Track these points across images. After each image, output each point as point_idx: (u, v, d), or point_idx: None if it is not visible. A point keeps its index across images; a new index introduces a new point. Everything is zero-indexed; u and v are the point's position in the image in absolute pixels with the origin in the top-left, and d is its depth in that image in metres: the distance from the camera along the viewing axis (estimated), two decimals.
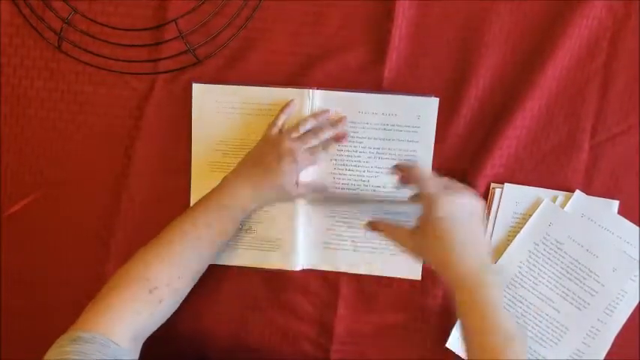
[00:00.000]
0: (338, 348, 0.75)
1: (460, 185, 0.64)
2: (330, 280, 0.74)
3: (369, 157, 0.73)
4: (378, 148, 0.72)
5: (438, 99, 0.71)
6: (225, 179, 0.69)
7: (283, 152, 0.67)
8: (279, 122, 0.70)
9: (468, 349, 0.57)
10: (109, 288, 0.60)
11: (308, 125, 0.70)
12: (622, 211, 0.72)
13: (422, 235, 0.61)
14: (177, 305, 0.64)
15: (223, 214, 0.66)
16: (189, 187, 0.74)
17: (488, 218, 0.72)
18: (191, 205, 0.73)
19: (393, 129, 0.72)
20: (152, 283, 0.60)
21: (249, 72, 0.73)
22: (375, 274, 0.74)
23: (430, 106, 0.71)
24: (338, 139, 0.71)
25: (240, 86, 0.72)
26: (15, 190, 0.75)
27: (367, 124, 0.72)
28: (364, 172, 0.73)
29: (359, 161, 0.73)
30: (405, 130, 0.72)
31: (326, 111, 0.71)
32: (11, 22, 0.73)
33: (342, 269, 0.74)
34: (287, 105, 0.71)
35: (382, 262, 0.74)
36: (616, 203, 0.72)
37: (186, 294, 0.65)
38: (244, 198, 0.68)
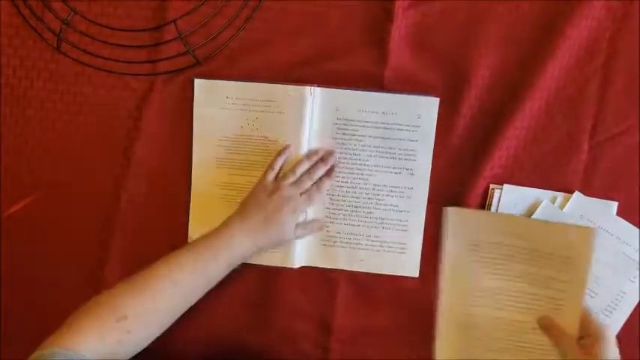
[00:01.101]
0: (336, 346, 0.75)
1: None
2: (328, 278, 0.75)
3: (369, 156, 0.73)
4: (378, 147, 0.73)
5: (438, 99, 0.71)
6: (224, 226, 0.68)
7: (283, 201, 0.68)
8: (277, 166, 0.71)
9: None
10: (78, 313, 0.59)
11: (303, 168, 0.71)
12: (621, 212, 0.72)
13: None
14: (151, 339, 0.63)
15: (214, 264, 0.66)
16: (189, 187, 0.74)
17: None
18: (190, 205, 0.74)
19: (393, 128, 0.72)
20: (120, 312, 0.59)
21: (249, 73, 0.73)
22: (374, 271, 0.74)
23: (431, 105, 0.71)
24: (329, 174, 0.72)
25: (243, 82, 0.72)
26: (14, 190, 0.75)
27: (367, 122, 0.72)
28: (364, 170, 0.73)
29: (359, 159, 0.73)
30: (406, 129, 0.72)
31: (317, 150, 0.72)
32: (11, 22, 0.73)
33: (341, 267, 0.74)
34: (284, 149, 0.71)
35: (380, 260, 0.74)
36: (615, 204, 0.71)
37: (165, 327, 0.64)
38: (242, 248, 0.67)
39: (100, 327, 0.58)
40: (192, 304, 0.66)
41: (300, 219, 0.71)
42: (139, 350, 0.62)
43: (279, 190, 0.68)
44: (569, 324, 0.65)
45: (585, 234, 0.65)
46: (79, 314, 0.59)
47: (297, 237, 0.71)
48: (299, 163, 0.71)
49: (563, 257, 0.66)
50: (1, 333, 0.76)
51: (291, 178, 0.70)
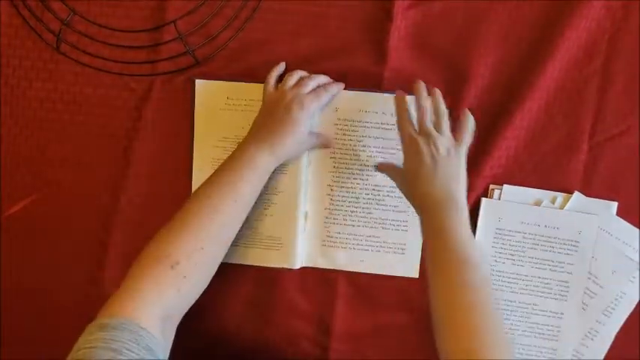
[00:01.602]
0: (336, 346, 0.75)
1: (442, 125, 0.64)
2: (328, 279, 0.75)
3: (369, 156, 0.73)
4: (378, 147, 0.72)
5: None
6: (239, 146, 0.67)
7: (289, 102, 0.66)
8: (272, 80, 0.70)
9: (428, 271, 0.61)
10: (132, 272, 0.58)
11: (301, 73, 0.70)
12: (621, 213, 0.72)
13: (403, 171, 0.66)
14: (208, 279, 0.62)
15: (241, 183, 0.65)
16: (189, 188, 0.74)
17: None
18: None
19: (392, 128, 0.72)
20: (172, 259, 0.58)
21: (249, 73, 0.72)
22: (373, 272, 0.74)
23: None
24: (328, 84, 0.70)
25: (242, 83, 0.72)
26: (14, 191, 0.75)
27: (367, 122, 0.72)
28: (363, 170, 0.73)
29: (358, 160, 0.73)
30: None
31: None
32: (10, 23, 0.73)
33: (341, 267, 0.74)
34: (276, 67, 0.71)
35: (380, 260, 0.74)
36: (615, 204, 0.72)
37: (214, 269, 0.63)
38: (263, 159, 0.66)
39: (157, 280, 0.57)
40: (237, 230, 0.65)
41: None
42: (195, 299, 0.61)
43: (283, 95, 0.67)
44: (576, 303, 0.71)
45: (590, 220, 0.71)
46: (133, 274, 0.58)
47: (313, 143, 0.70)
48: (295, 70, 0.70)
49: (573, 242, 0.71)
50: (1, 333, 0.76)
51: (291, 81, 0.69)
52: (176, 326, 0.59)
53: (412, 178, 0.64)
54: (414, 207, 0.66)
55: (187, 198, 0.65)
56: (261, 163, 0.66)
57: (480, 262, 0.59)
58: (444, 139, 0.63)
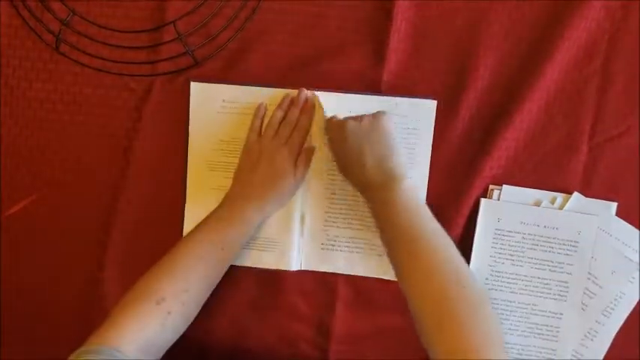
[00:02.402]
0: (336, 349, 0.75)
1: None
2: (327, 281, 0.75)
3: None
4: None
5: (436, 101, 0.71)
6: (227, 197, 0.70)
7: (271, 156, 0.69)
8: (256, 126, 0.71)
9: (388, 250, 0.63)
10: (119, 304, 0.61)
11: (278, 117, 0.71)
12: (620, 213, 0.72)
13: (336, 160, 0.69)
14: (192, 317, 0.64)
15: (229, 232, 0.68)
16: (186, 188, 0.74)
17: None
18: (185, 206, 0.74)
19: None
20: (158, 295, 0.61)
21: (248, 73, 0.73)
22: (373, 275, 0.74)
23: (428, 108, 0.71)
24: (305, 111, 0.71)
25: (239, 86, 0.72)
26: (13, 191, 0.75)
27: None
28: None
29: None
30: (403, 131, 0.72)
31: (287, 96, 0.72)
32: (10, 23, 0.73)
33: (340, 271, 0.74)
34: (258, 109, 0.72)
35: (379, 264, 0.74)
36: (614, 205, 0.71)
37: (198, 308, 0.65)
38: (252, 216, 0.69)
39: (141, 314, 0.59)
40: (222, 274, 0.68)
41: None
42: (179, 334, 0.63)
43: (264, 149, 0.70)
44: (575, 304, 0.71)
45: (589, 220, 0.71)
46: (120, 306, 0.60)
47: (298, 180, 0.71)
48: (273, 114, 0.71)
49: (572, 242, 0.71)
50: (1, 333, 0.76)
51: (270, 131, 0.70)
52: (159, 358, 0.60)
53: (344, 165, 0.67)
54: (361, 194, 0.68)
55: (179, 241, 0.67)
56: (250, 219, 0.69)
57: (438, 234, 0.60)
58: (359, 120, 0.65)
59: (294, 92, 0.72)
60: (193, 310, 0.64)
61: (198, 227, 0.68)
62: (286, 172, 0.70)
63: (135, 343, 0.57)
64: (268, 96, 0.72)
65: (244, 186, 0.70)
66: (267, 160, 0.69)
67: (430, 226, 0.61)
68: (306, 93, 0.71)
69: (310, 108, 0.71)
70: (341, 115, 0.68)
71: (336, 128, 0.66)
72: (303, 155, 0.72)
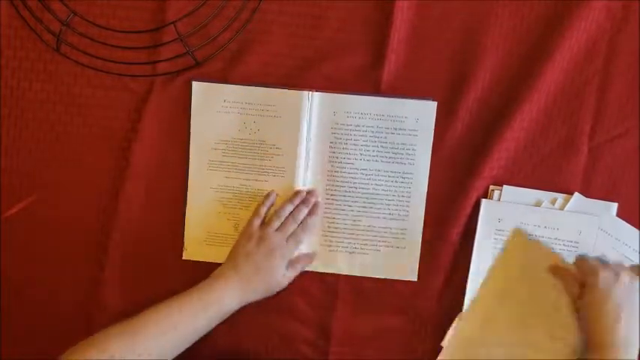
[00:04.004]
0: (336, 350, 0.75)
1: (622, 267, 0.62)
2: (327, 282, 0.75)
3: (367, 160, 0.73)
4: (377, 151, 0.72)
5: (436, 102, 0.71)
6: (216, 279, 0.69)
7: (270, 249, 0.69)
8: (262, 213, 0.72)
9: None
10: (71, 352, 0.60)
11: (287, 211, 0.71)
12: (621, 213, 0.72)
13: (587, 307, 0.60)
14: None
15: (205, 314, 0.67)
16: (187, 188, 0.74)
17: None
18: (186, 207, 0.74)
19: (390, 132, 0.72)
20: (108, 353, 0.60)
21: (248, 74, 0.73)
22: (372, 275, 0.74)
23: (428, 109, 0.71)
24: (313, 211, 0.72)
25: (240, 86, 0.72)
26: (13, 192, 0.75)
27: (365, 127, 0.72)
28: (361, 174, 0.73)
29: (357, 164, 0.73)
30: (403, 133, 0.72)
31: (300, 191, 0.72)
32: (10, 24, 0.73)
33: (340, 271, 0.74)
34: (268, 195, 0.72)
35: (379, 264, 0.74)
36: (615, 205, 0.72)
37: None
38: (232, 298, 0.68)
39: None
40: (179, 352, 0.66)
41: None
42: None
43: (266, 239, 0.70)
44: None
45: (590, 221, 0.70)
46: (73, 355, 0.60)
47: (286, 280, 0.71)
48: (282, 206, 0.72)
49: (573, 243, 0.71)
50: (1, 333, 0.76)
51: (276, 223, 0.71)
52: None
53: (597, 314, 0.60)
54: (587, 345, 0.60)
55: (154, 307, 0.65)
56: (228, 307, 0.68)
57: None
58: (627, 269, 0.60)
59: (286, 93, 0.71)
60: None
61: (176, 298, 0.66)
62: (279, 271, 0.70)
63: None
64: (269, 97, 0.72)
65: (234, 270, 0.69)
66: (265, 252, 0.69)
67: None
68: (318, 195, 0.72)
69: (318, 209, 0.72)
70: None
71: (595, 294, 0.59)
72: (300, 261, 0.72)
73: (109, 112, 0.74)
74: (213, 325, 0.68)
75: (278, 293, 0.72)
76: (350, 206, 0.73)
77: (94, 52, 0.73)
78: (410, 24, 0.71)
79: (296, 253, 0.72)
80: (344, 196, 0.73)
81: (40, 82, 0.74)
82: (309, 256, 0.73)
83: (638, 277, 0.60)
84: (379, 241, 0.74)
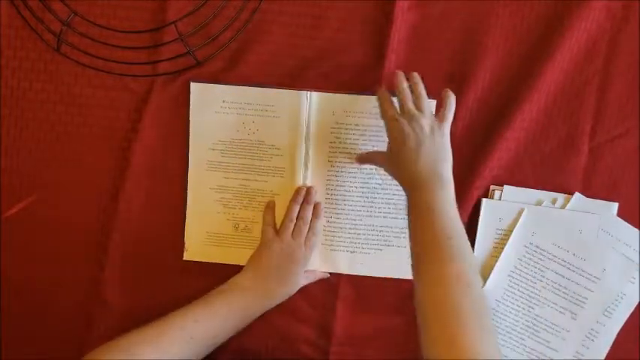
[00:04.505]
0: (337, 349, 0.75)
1: (422, 104, 0.65)
2: (329, 282, 0.75)
3: None
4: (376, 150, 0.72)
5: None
6: (238, 286, 0.71)
7: (294, 257, 0.71)
8: (270, 220, 0.73)
9: (413, 250, 0.61)
10: (97, 353, 0.61)
11: (295, 211, 0.72)
12: (621, 213, 0.72)
13: (389, 153, 0.66)
14: None
15: (233, 322, 0.69)
16: (187, 188, 0.74)
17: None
18: (186, 207, 0.74)
19: None
20: (134, 358, 0.61)
21: (248, 74, 0.73)
22: (374, 274, 0.74)
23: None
24: (316, 214, 0.73)
25: (239, 86, 0.72)
26: (13, 192, 0.75)
27: (364, 126, 0.72)
28: (362, 174, 0.73)
29: (357, 164, 0.73)
30: None
31: (300, 189, 0.73)
32: (10, 24, 0.73)
33: (341, 270, 0.74)
34: (267, 205, 0.73)
35: (380, 263, 0.74)
36: (615, 205, 0.72)
37: None
38: (257, 307, 0.71)
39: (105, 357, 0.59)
40: (201, 357, 0.67)
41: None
42: None
43: (287, 248, 0.71)
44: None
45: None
46: (99, 356, 0.60)
47: (300, 287, 0.73)
48: (290, 208, 0.72)
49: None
50: (1, 333, 0.76)
51: (290, 227, 0.72)
52: None
53: (397, 159, 0.65)
54: (402, 187, 0.66)
55: (180, 310, 0.67)
56: (253, 315, 0.71)
57: (465, 241, 0.60)
58: (425, 118, 0.63)
59: (285, 93, 0.71)
60: None
61: (202, 303, 0.68)
62: (300, 276, 0.72)
63: None
64: (268, 97, 0.72)
65: (258, 278, 0.71)
66: (289, 260, 0.71)
67: (463, 230, 0.61)
68: (316, 192, 0.73)
69: (321, 211, 0.73)
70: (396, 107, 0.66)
71: (399, 127, 0.64)
72: (317, 275, 0.74)
73: (109, 112, 0.74)
74: (236, 330, 0.69)
75: None
76: (350, 206, 0.73)
77: (95, 52, 0.73)
78: (410, 24, 0.71)
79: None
80: (344, 195, 0.73)
81: (40, 82, 0.74)
82: (324, 274, 0.75)
83: (446, 122, 0.64)
84: (380, 240, 0.74)
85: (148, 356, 0.62)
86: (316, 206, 0.73)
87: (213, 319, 0.67)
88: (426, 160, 0.62)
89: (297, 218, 0.72)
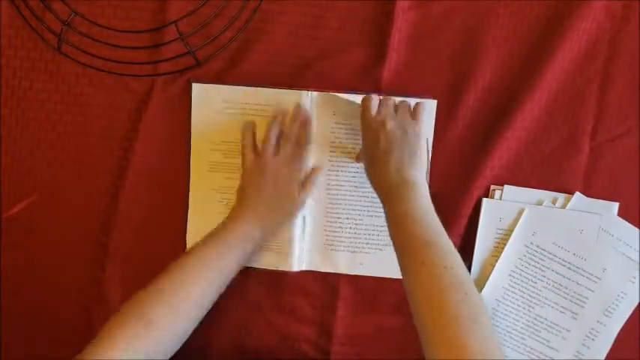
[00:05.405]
0: (337, 349, 0.75)
1: (402, 111, 0.65)
2: (329, 282, 0.75)
3: None
4: None
5: (436, 101, 0.71)
6: (229, 218, 0.68)
7: (275, 176, 0.68)
8: (249, 143, 0.70)
9: (398, 260, 0.61)
10: (108, 325, 0.60)
11: (275, 131, 0.70)
12: (622, 213, 0.72)
13: (364, 157, 0.67)
14: (180, 342, 0.63)
15: (227, 256, 0.66)
16: (188, 190, 0.74)
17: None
18: (189, 208, 0.74)
19: None
20: (147, 318, 0.59)
21: (249, 74, 0.73)
22: (374, 274, 0.74)
23: (428, 108, 0.71)
24: (304, 126, 0.70)
25: (239, 87, 0.72)
26: (14, 192, 0.75)
27: None
28: (362, 173, 0.72)
29: (357, 163, 0.73)
30: None
31: (280, 109, 0.71)
32: (11, 23, 0.73)
33: (341, 271, 0.74)
34: (245, 126, 0.70)
35: (381, 263, 0.74)
36: (616, 205, 0.72)
37: (191, 330, 0.63)
38: (251, 234, 0.67)
39: (131, 337, 0.58)
40: (214, 300, 0.65)
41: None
42: (171, 354, 0.61)
43: (267, 169, 0.68)
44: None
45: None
46: (110, 326, 0.59)
47: (302, 201, 0.71)
48: (268, 129, 0.70)
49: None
50: (1, 333, 0.76)
51: (269, 148, 0.69)
52: None
53: (370, 163, 0.65)
54: (378, 195, 0.65)
55: (174, 261, 0.65)
56: (251, 240, 0.67)
57: (445, 243, 0.59)
58: (397, 120, 0.64)
59: (285, 93, 0.71)
60: (184, 333, 0.63)
61: (196, 248, 0.66)
62: (291, 193, 0.69)
63: None
64: (268, 97, 0.72)
65: (247, 207, 0.68)
66: (272, 181, 0.68)
67: (442, 232, 0.60)
68: (305, 108, 0.71)
69: (309, 123, 0.71)
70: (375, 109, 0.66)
71: (373, 130, 0.64)
72: (309, 177, 0.71)
73: (110, 112, 0.74)
74: (241, 263, 0.67)
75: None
76: (351, 206, 0.73)
77: (95, 52, 0.73)
78: (411, 23, 0.71)
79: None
80: (344, 195, 0.73)
81: (41, 82, 0.74)
82: (317, 171, 0.72)
83: (418, 121, 0.64)
84: (380, 240, 0.74)
85: (159, 313, 0.60)
86: (305, 119, 0.70)
87: (211, 258, 0.65)
88: (396, 165, 0.62)
89: (281, 139, 0.69)
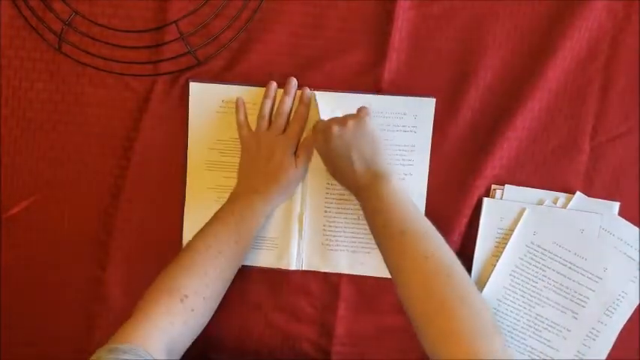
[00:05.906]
0: (338, 349, 0.75)
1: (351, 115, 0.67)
2: (330, 282, 0.74)
3: None
4: None
5: (434, 99, 0.71)
6: (233, 194, 0.71)
7: (270, 150, 0.70)
8: (242, 120, 0.72)
9: (381, 253, 0.63)
10: (143, 303, 0.61)
11: (268, 106, 0.71)
12: (623, 213, 0.72)
13: (329, 170, 0.70)
14: (211, 313, 0.65)
15: (242, 225, 0.68)
16: (186, 187, 0.74)
17: None
18: (185, 206, 0.74)
19: (390, 130, 0.72)
20: (182, 293, 0.61)
21: (250, 73, 0.73)
22: (374, 274, 0.74)
23: (427, 106, 0.71)
24: (301, 102, 0.71)
25: (238, 86, 0.72)
26: (14, 191, 0.75)
27: None
28: None
29: None
30: (403, 130, 0.72)
31: (272, 84, 0.72)
32: (12, 23, 0.73)
33: (341, 270, 0.74)
34: (237, 104, 0.72)
35: (381, 263, 0.73)
36: (617, 204, 0.72)
37: (217, 305, 0.66)
38: (258, 205, 0.69)
39: (168, 310, 0.60)
40: (237, 269, 0.68)
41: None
42: (198, 333, 0.63)
43: (262, 142, 0.70)
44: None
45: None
46: (144, 304, 0.60)
47: (301, 170, 0.71)
48: (262, 105, 0.71)
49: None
50: (1, 333, 0.76)
51: (263, 123, 0.71)
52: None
53: (334, 172, 0.68)
54: (351, 192, 0.68)
55: (194, 236, 0.67)
56: (259, 211, 0.70)
57: (421, 227, 0.60)
58: (341, 124, 0.65)
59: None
60: (212, 307, 0.65)
61: (211, 223, 0.68)
62: (287, 164, 0.70)
63: (161, 342, 0.57)
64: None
65: (248, 181, 0.70)
66: (266, 154, 0.70)
67: (417, 219, 0.62)
68: (295, 80, 0.71)
69: (307, 97, 0.71)
70: (325, 117, 0.69)
71: (321, 134, 0.66)
72: (303, 144, 0.72)
73: (110, 112, 0.74)
74: (257, 229, 0.70)
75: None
76: (351, 205, 0.73)
77: (96, 52, 0.73)
78: (411, 22, 0.71)
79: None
80: (344, 195, 0.73)
81: (41, 82, 0.74)
82: (308, 139, 0.72)
83: (363, 116, 0.66)
84: None
85: (191, 287, 0.62)
86: (301, 95, 0.71)
87: (229, 227, 0.67)
88: (363, 164, 0.64)
89: (276, 114, 0.71)
